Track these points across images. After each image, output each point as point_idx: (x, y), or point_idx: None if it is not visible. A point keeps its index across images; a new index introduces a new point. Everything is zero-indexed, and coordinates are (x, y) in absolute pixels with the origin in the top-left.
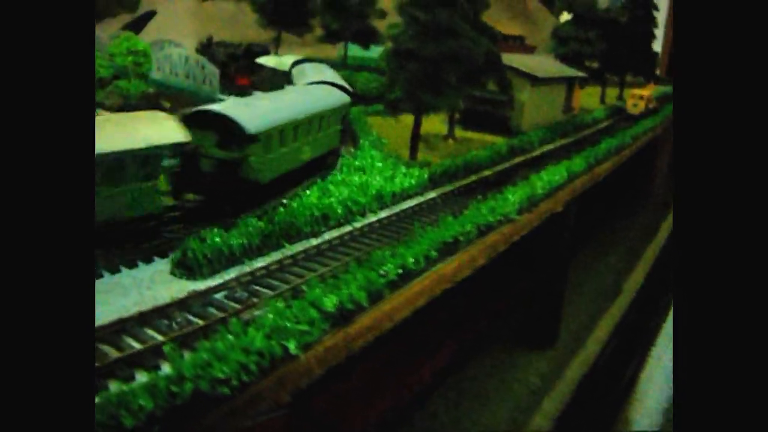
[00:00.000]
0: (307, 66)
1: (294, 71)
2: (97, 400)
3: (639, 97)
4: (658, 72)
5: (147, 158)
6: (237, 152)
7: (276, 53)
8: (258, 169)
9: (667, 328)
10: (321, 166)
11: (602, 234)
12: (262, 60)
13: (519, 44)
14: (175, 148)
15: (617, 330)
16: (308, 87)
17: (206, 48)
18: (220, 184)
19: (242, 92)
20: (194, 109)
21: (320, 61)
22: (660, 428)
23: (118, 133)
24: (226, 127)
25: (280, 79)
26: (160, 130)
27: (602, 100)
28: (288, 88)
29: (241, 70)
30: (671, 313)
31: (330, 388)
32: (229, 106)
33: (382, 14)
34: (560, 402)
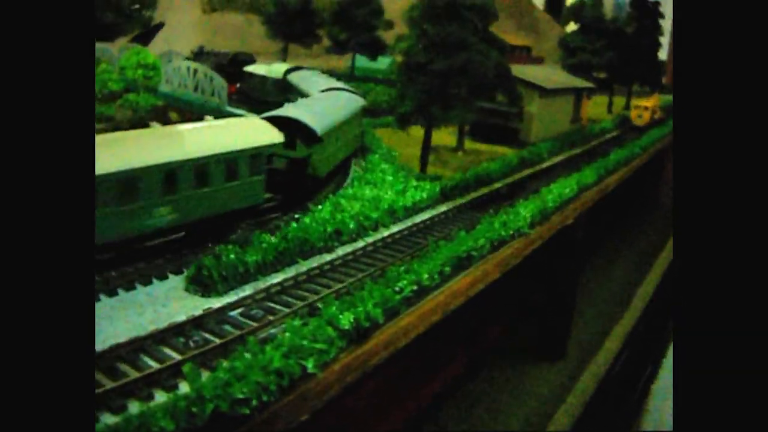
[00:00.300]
0: (307, 74)
1: (293, 79)
2: (117, 420)
3: (644, 107)
4: (664, 81)
5: (256, 156)
6: (304, 151)
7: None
8: (318, 166)
9: None
10: (347, 165)
11: (611, 244)
12: (250, 68)
13: (526, 55)
14: (275, 148)
15: (628, 341)
16: (336, 93)
17: (197, 57)
18: (289, 180)
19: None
20: (264, 115)
21: (329, 72)
22: None
23: (230, 135)
24: (295, 129)
25: (271, 87)
26: (262, 132)
27: (609, 110)
28: (321, 94)
29: (228, 78)
30: None
31: (341, 403)
32: (296, 111)
33: (390, 25)
34: (572, 414)
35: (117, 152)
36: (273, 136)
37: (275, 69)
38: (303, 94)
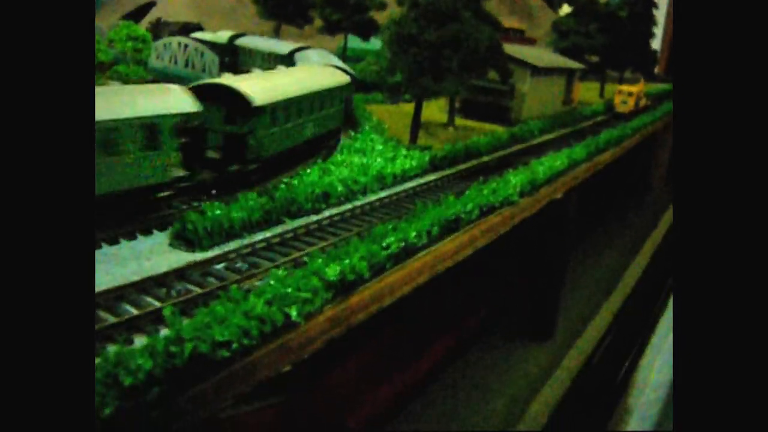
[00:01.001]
0: (257, 38)
1: (243, 43)
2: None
3: (628, 93)
4: (656, 69)
5: (340, 90)
6: (350, 91)
7: None
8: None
9: (667, 316)
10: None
11: (602, 226)
12: (196, 34)
13: (519, 36)
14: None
15: (617, 318)
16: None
17: (155, 27)
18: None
19: None
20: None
21: None
22: (659, 415)
23: (328, 76)
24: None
25: (219, 51)
26: (341, 75)
27: (601, 95)
28: (322, 51)
29: None
30: (671, 302)
31: (327, 377)
32: (337, 63)
33: (382, 6)
34: (559, 390)
35: (288, 83)
36: (347, 78)
37: (220, 35)
38: (264, 55)
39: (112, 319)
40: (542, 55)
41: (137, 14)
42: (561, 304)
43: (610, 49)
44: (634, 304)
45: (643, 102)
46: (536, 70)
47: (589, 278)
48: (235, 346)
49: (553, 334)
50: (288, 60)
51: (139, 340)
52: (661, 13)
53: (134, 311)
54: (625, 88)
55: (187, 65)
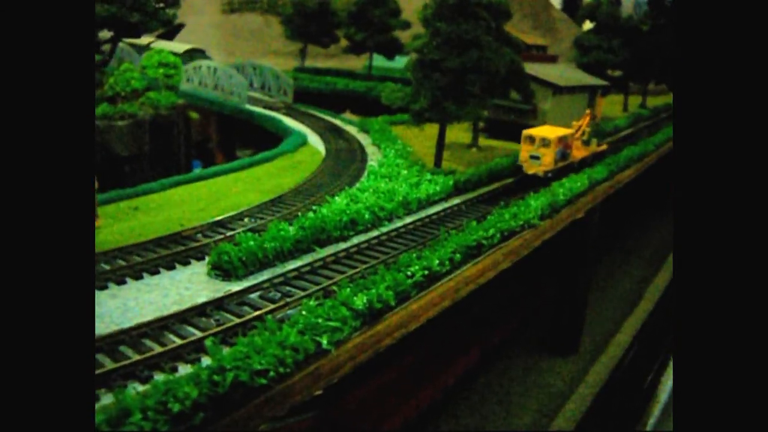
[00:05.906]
0: None
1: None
2: (145, 388)
3: (542, 142)
4: None
5: None
6: None
7: (302, 64)
8: None
9: None
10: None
11: (625, 241)
12: None
13: (541, 54)
14: None
15: (640, 334)
16: None
17: None
18: None
19: None
20: None
21: (344, 71)
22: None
23: None
24: None
25: None
26: None
27: (625, 108)
28: None
29: None
30: None
31: (355, 392)
32: None
33: (406, 25)
34: (582, 404)
35: None
36: None
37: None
38: None
39: (158, 348)
40: (564, 74)
41: (166, 37)
42: (585, 317)
43: (633, 64)
44: (658, 316)
45: (583, 152)
46: (558, 89)
47: (615, 291)
48: (271, 374)
49: (578, 348)
50: None
51: (183, 368)
52: None
53: (177, 341)
54: (536, 132)
55: (216, 89)
